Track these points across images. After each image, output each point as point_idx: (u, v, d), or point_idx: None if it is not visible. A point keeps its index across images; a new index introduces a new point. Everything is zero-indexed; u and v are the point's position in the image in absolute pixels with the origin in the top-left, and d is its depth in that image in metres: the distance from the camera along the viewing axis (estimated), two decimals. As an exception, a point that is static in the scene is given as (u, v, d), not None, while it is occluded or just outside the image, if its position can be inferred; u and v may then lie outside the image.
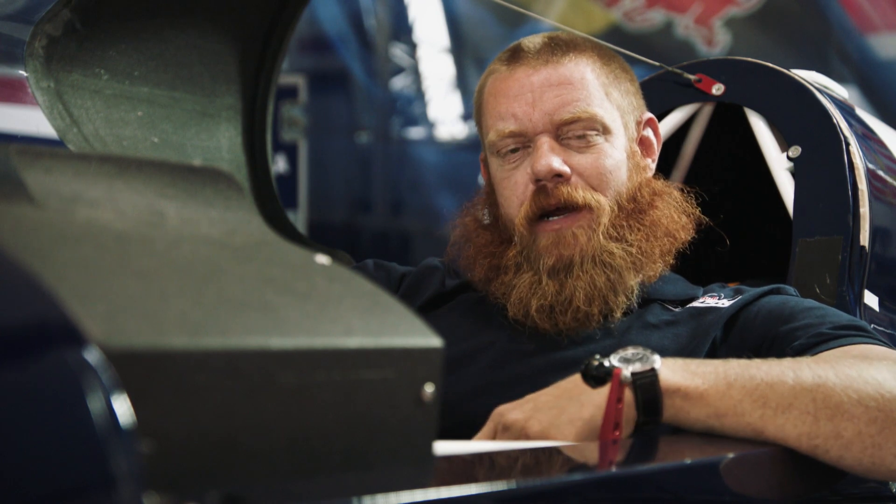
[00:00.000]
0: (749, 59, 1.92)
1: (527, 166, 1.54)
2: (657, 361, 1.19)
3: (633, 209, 1.56)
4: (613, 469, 1.07)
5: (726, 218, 1.71)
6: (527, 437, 1.18)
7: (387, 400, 0.80)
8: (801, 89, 1.84)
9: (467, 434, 1.26)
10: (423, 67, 7.66)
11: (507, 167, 1.57)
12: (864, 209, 1.72)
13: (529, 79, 1.55)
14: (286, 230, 1.99)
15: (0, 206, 0.79)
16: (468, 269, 1.63)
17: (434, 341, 0.83)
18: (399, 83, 7.64)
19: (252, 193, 1.99)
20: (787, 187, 1.80)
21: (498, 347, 1.54)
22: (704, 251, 1.68)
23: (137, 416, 0.63)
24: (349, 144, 7.58)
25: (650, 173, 1.64)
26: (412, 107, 7.80)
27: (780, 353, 1.33)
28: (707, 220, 1.63)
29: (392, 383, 0.80)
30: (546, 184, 1.52)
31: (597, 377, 1.18)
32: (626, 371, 1.18)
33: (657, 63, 1.94)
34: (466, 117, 7.51)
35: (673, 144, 1.96)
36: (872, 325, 1.60)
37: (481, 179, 1.72)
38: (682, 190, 1.64)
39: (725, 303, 1.51)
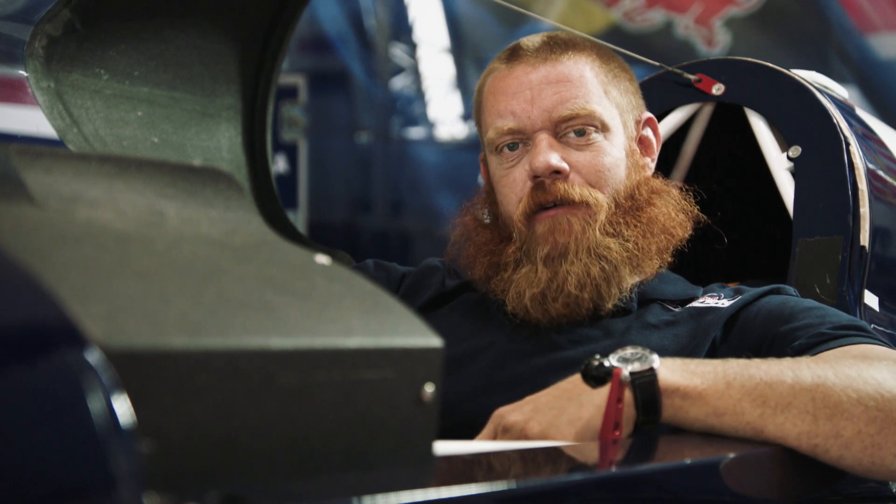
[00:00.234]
0: (749, 59, 1.92)
1: (525, 163, 1.55)
2: (656, 361, 1.19)
3: (630, 206, 1.56)
4: (613, 469, 1.07)
5: (726, 218, 1.71)
6: (527, 439, 1.18)
7: (387, 400, 0.80)
8: (801, 89, 1.84)
9: (467, 434, 1.26)
10: (423, 67, 7.66)
11: (505, 165, 1.57)
12: (864, 209, 1.72)
13: (528, 76, 1.56)
14: (286, 230, 1.99)
15: (0, 206, 0.79)
16: (468, 267, 1.63)
17: (434, 341, 0.83)
18: (399, 83, 7.64)
19: (252, 193, 1.99)
20: (787, 187, 1.80)
21: (498, 348, 1.54)
22: (704, 251, 1.68)
23: (137, 416, 0.63)
24: (349, 144, 7.58)
25: (649, 172, 1.64)
26: (412, 107, 7.80)
27: (779, 353, 1.33)
28: (706, 218, 1.63)
29: (392, 383, 0.80)
30: (544, 180, 1.52)
31: (597, 377, 1.18)
32: (626, 371, 1.18)
33: (657, 63, 1.94)
34: (466, 117, 7.51)
35: (673, 144, 1.96)
36: (872, 325, 1.60)
37: (481, 179, 1.72)
38: (680, 188, 1.64)
39: (725, 303, 1.51)
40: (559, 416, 1.18)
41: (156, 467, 0.64)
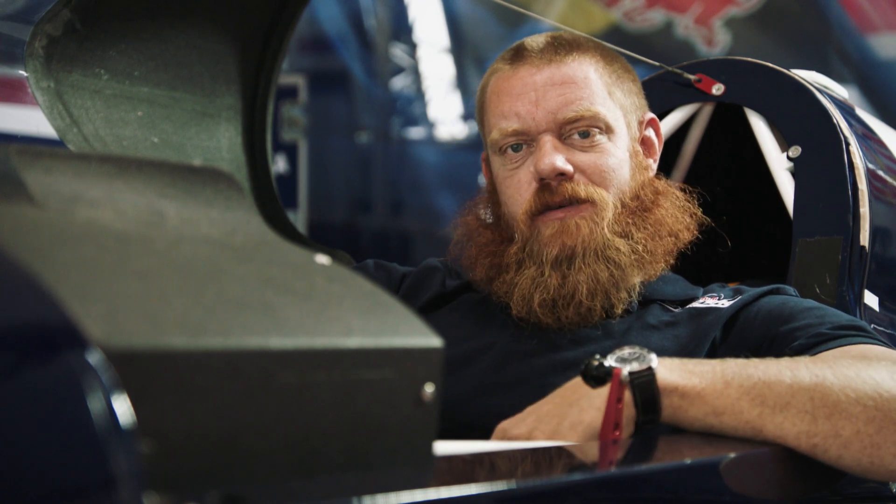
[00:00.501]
0: (749, 59, 1.92)
1: (530, 165, 1.54)
2: (654, 360, 1.19)
3: (636, 207, 1.56)
4: (613, 469, 1.07)
5: (727, 218, 1.71)
6: None
7: (387, 400, 0.80)
8: (801, 89, 1.84)
9: (468, 435, 1.25)
10: (423, 67, 7.66)
11: (509, 166, 1.57)
12: (864, 209, 1.72)
13: (532, 78, 1.56)
14: (286, 230, 1.99)
15: (0, 206, 0.79)
16: (470, 268, 1.63)
17: (434, 341, 0.83)
18: (399, 83, 7.64)
19: (252, 193, 1.99)
20: (787, 187, 1.80)
21: (499, 348, 1.54)
22: (705, 251, 1.68)
23: (137, 416, 0.63)
24: (349, 144, 7.58)
25: (652, 173, 1.64)
26: (412, 107, 7.80)
27: (779, 353, 1.33)
28: (709, 220, 1.63)
29: (392, 383, 0.80)
30: (550, 182, 1.52)
31: (597, 377, 1.18)
32: (625, 371, 1.18)
33: (657, 63, 1.94)
34: (466, 117, 7.51)
35: (673, 144, 1.96)
36: (872, 325, 1.60)
37: (482, 179, 1.72)
38: (683, 190, 1.64)
39: (725, 303, 1.51)
40: (561, 422, 1.18)
41: (156, 467, 0.64)
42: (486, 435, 1.26)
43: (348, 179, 7.53)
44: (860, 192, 1.73)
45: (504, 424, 1.24)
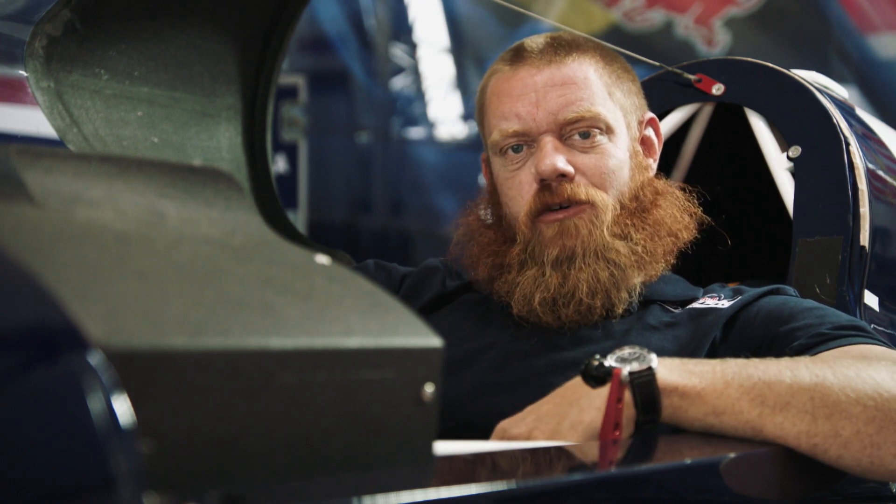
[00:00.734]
0: (749, 59, 1.92)
1: (530, 166, 1.55)
2: (654, 360, 1.20)
3: (635, 208, 1.56)
4: (613, 469, 1.07)
5: (726, 218, 1.71)
6: None
7: (387, 400, 0.80)
8: (801, 89, 1.84)
9: (468, 435, 1.26)
10: (423, 67, 7.66)
11: (510, 167, 1.57)
12: (864, 209, 1.72)
13: (533, 78, 1.56)
14: (286, 230, 1.99)
15: (0, 206, 0.79)
16: (471, 268, 1.63)
17: (434, 341, 0.83)
18: (399, 83, 7.64)
19: (252, 193, 1.99)
20: (787, 187, 1.80)
21: (499, 348, 1.54)
22: (705, 251, 1.68)
23: (137, 416, 0.63)
24: (349, 144, 7.58)
25: (652, 173, 1.64)
26: (412, 107, 7.80)
27: (779, 353, 1.33)
28: (709, 220, 1.63)
29: (392, 383, 0.80)
30: (550, 183, 1.52)
31: (597, 377, 1.18)
32: (625, 371, 1.18)
33: (657, 63, 1.94)
34: (466, 117, 7.51)
35: (673, 144, 1.96)
36: (872, 325, 1.60)
37: (482, 179, 1.72)
38: (683, 189, 1.64)
39: (725, 303, 1.51)
40: (561, 422, 1.18)
41: (156, 467, 0.64)
42: (486, 435, 1.26)
43: (348, 179, 7.54)
44: (860, 192, 1.73)
45: (504, 424, 1.24)
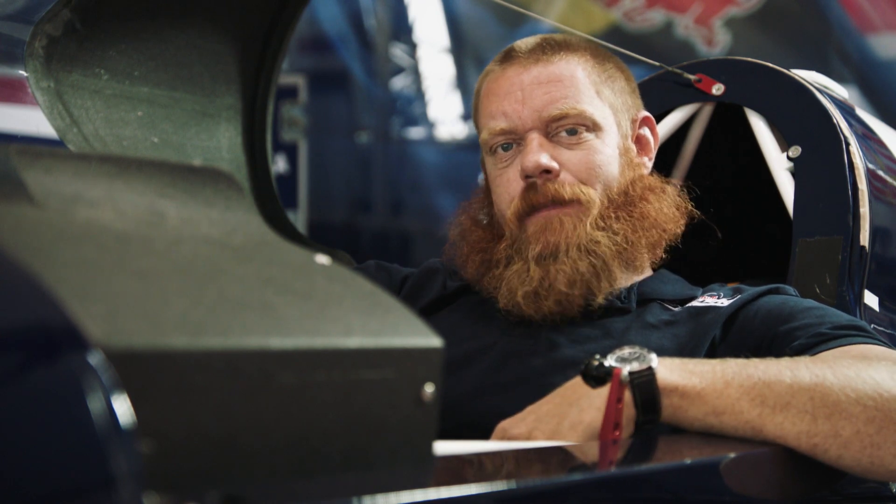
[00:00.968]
0: (749, 59, 1.92)
1: (517, 163, 1.56)
2: (654, 360, 1.20)
3: (622, 202, 1.57)
4: (613, 469, 1.07)
5: (726, 218, 1.71)
6: None
7: (387, 400, 0.80)
8: (801, 89, 1.84)
9: (468, 435, 1.26)
10: (423, 67, 7.66)
11: (499, 165, 1.59)
12: (864, 209, 1.72)
13: (519, 77, 1.57)
14: (286, 230, 1.99)
15: (0, 206, 0.79)
16: (462, 266, 1.64)
17: (434, 341, 0.83)
18: (399, 83, 7.64)
19: (252, 193, 1.99)
20: (787, 187, 1.80)
21: (499, 348, 1.54)
22: (705, 251, 1.68)
23: (137, 416, 0.63)
24: (349, 144, 7.58)
25: (646, 171, 1.64)
26: (412, 107, 7.80)
27: (779, 352, 1.33)
28: (698, 213, 1.63)
29: (392, 383, 0.80)
30: (535, 180, 1.53)
31: (597, 377, 1.18)
32: (625, 370, 1.18)
33: (657, 63, 1.94)
34: (466, 117, 7.51)
35: (673, 144, 1.96)
36: (872, 325, 1.60)
37: (482, 179, 1.73)
38: (676, 185, 1.65)
39: (724, 302, 1.51)
40: (561, 422, 1.18)
41: (156, 467, 0.64)
42: (486, 435, 1.26)
43: (348, 179, 7.53)
44: (860, 192, 1.73)
45: (504, 424, 1.24)
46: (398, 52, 7.57)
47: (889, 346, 1.35)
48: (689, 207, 1.63)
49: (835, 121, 1.78)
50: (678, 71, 1.92)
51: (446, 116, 7.75)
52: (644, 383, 1.18)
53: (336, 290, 0.85)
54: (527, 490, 0.84)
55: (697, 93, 1.92)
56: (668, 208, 1.60)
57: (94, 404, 0.61)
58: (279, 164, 6.18)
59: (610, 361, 1.19)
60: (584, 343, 1.51)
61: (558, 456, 1.06)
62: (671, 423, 1.21)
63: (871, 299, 1.73)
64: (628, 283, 1.58)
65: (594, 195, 1.54)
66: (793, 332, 1.39)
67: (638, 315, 1.54)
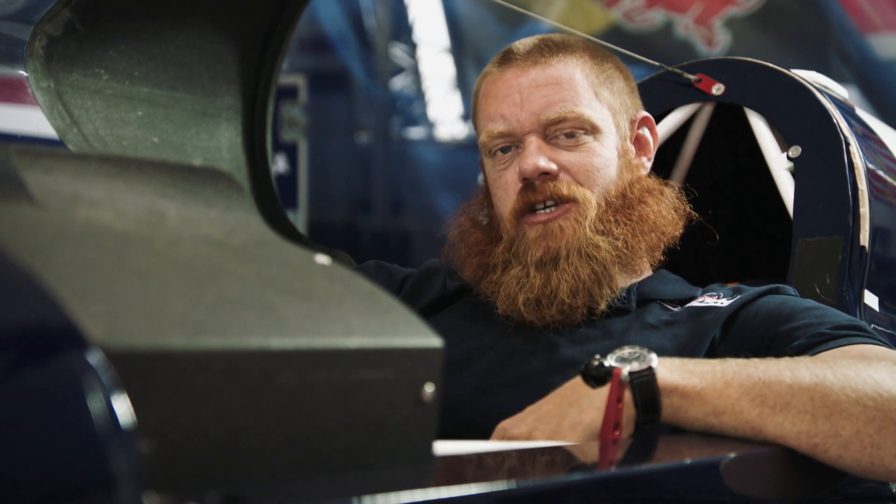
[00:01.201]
0: (749, 59, 1.92)
1: (516, 165, 1.56)
2: (654, 360, 1.20)
3: (620, 205, 1.57)
4: (613, 469, 1.07)
5: (726, 218, 1.71)
6: None
7: (387, 400, 0.80)
8: (801, 89, 1.84)
9: (468, 435, 1.26)
10: (423, 67, 7.66)
11: (498, 167, 1.59)
12: (864, 209, 1.72)
13: (518, 80, 1.57)
14: (286, 230, 1.99)
15: (0, 206, 0.79)
16: (460, 268, 1.64)
17: (434, 341, 0.83)
18: (399, 83, 7.64)
19: (252, 193, 1.99)
20: (787, 187, 1.80)
21: (499, 349, 1.54)
22: (704, 251, 1.68)
23: (137, 416, 0.63)
24: (349, 144, 7.58)
25: (644, 172, 1.64)
26: (412, 107, 7.80)
27: (779, 353, 1.33)
28: (697, 216, 1.63)
29: (392, 383, 0.80)
30: (533, 181, 1.53)
31: (597, 377, 1.18)
32: (625, 370, 1.18)
33: (657, 63, 1.94)
34: (466, 117, 7.51)
35: (673, 144, 1.96)
36: (872, 325, 1.60)
37: (482, 179, 1.73)
38: (674, 187, 1.65)
39: (724, 302, 1.51)
40: (561, 422, 1.18)
41: (156, 467, 0.64)
42: (486, 435, 1.26)
43: (348, 179, 7.53)
44: (860, 192, 1.73)
45: (504, 424, 1.24)
46: (398, 52, 7.57)
47: (889, 346, 1.35)
48: (688, 210, 1.63)
49: (835, 121, 1.78)
50: (678, 71, 1.92)
51: (446, 116, 7.75)
52: (644, 383, 1.18)
53: (336, 290, 0.85)
54: (527, 490, 0.84)
55: (697, 93, 1.92)
56: (667, 211, 1.60)
57: (94, 404, 0.61)
58: (279, 164, 6.18)
59: (610, 361, 1.19)
60: (584, 343, 1.51)
61: (558, 456, 1.06)
62: (671, 423, 1.21)
63: (871, 299, 1.73)
64: (628, 284, 1.58)
65: (591, 196, 1.54)
66: (793, 332, 1.39)
67: (638, 315, 1.54)
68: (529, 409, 1.24)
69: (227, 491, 0.67)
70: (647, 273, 1.62)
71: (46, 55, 1.65)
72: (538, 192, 1.53)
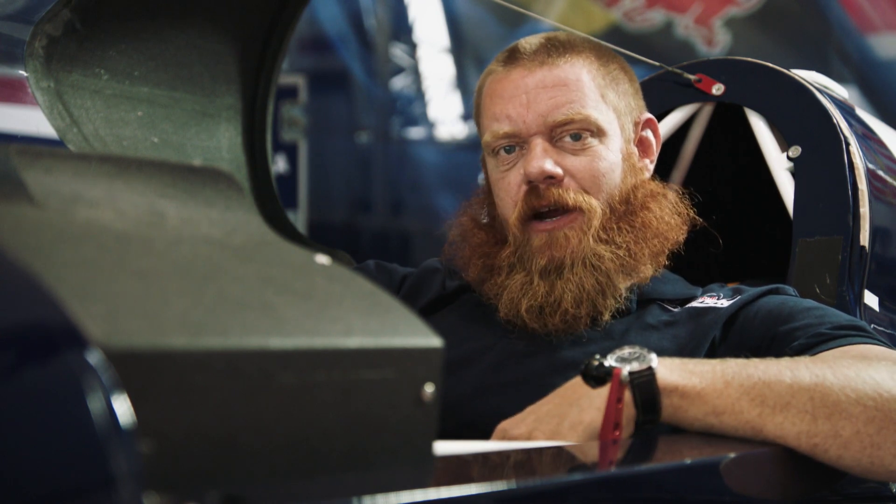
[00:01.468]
0: (749, 59, 1.92)
1: (520, 167, 1.55)
2: (654, 360, 1.20)
3: (624, 211, 1.56)
4: (613, 469, 1.07)
5: (726, 218, 1.71)
6: None
7: (387, 400, 0.80)
8: (801, 89, 1.84)
9: (468, 435, 1.26)
10: (423, 67, 7.66)
11: (502, 168, 1.58)
12: (864, 209, 1.72)
13: (524, 80, 1.56)
14: (286, 230, 1.99)
15: (0, 206, 0.79)
16: (463, 268, 1.64)
17: (434, 341, 0.83)
18: (399, 83, 7.64)
19: (252, 193, 1.98)
20: (787, 187, 1.80)
21: (498, 349, 1.54)
22: (704, 252, 1.68)
23: (137, 416, 0.63)
24: (349, 144, 7.59)
25: (647, 174, 1.63)
26: (412, 107, 7.80)
27: (779, 353, 1.33)
28: (701, 220, 1.62)
29: (392, 383, 0.80)
30: (538, 185, 1.52)
31: (597, 377, 1.18)
32: (625, 370, 1.18)
33: (657, 63, 1.94)
34: (466, 117, 7.51)
35: (673, 144, 1.96)
36: (872, 325, 1.60)
37: (482, 179, 1.72)
38: (677, 191, 1.64)
39: (724, 303, 1.51)
40: (562, 422, 1.18)
41: (156, 467, 0.64)
42: (486, 435, 1.26)
43: (348, 179, 7.54)
44: (860, 192, 1.73)
45: (504, 424, 1.24)
46: (398, 52, 7.57)
47: (889, 346, 1.35)
48: (691, 214, 1.62)
49: (835, 121, 1.78)
50: (678, 71, 1.92)
51: (446, 116, 7.75)
52: (644, 383, 1.18)
53: (336, 290, 0.85)
54: (527, 490, 0.84)
55: (697, 93, 1.92)
56: (670, 216, 1.59)
57: (94, 404, 0.61)
58: (279, 164, 6.18)
59: (610, 361, 1.19)
60: (584, 344, 1.51)
61: (558, 456, 1.06)
62: (671, 423, 1.21)
63: (871, 299, 1.73)
64: (628, 284, 1.57)
65: (596, 205, 1.53)
66: (793, 333, 1.39)
67: (638, 316, 1.54)
68: (529, 409, 1.24)
69: (227, 491, 0.67)
70: (649, 275, 1.61)
71: (46, 55, 1.65)
72: (543, 197, 1.52)
